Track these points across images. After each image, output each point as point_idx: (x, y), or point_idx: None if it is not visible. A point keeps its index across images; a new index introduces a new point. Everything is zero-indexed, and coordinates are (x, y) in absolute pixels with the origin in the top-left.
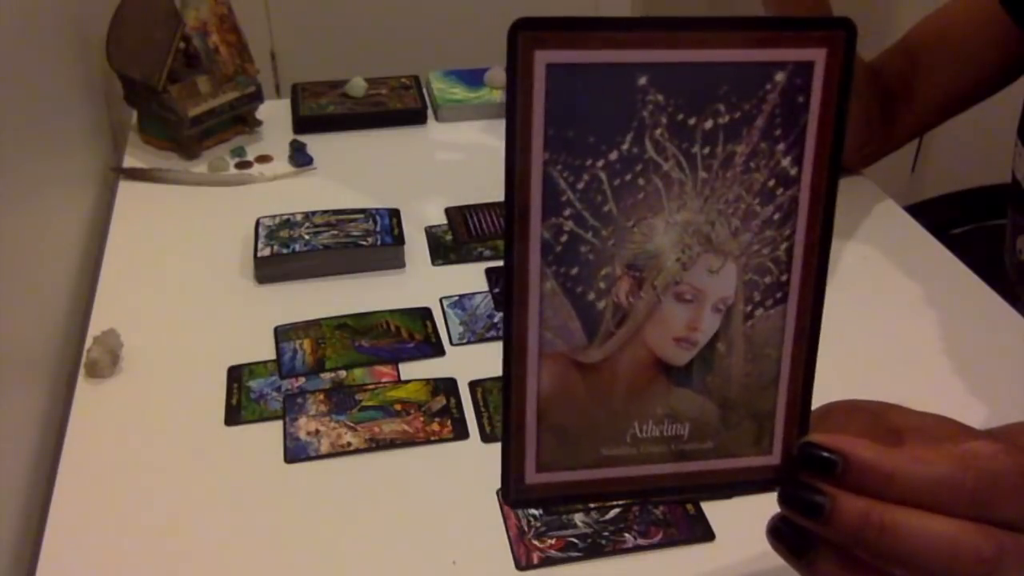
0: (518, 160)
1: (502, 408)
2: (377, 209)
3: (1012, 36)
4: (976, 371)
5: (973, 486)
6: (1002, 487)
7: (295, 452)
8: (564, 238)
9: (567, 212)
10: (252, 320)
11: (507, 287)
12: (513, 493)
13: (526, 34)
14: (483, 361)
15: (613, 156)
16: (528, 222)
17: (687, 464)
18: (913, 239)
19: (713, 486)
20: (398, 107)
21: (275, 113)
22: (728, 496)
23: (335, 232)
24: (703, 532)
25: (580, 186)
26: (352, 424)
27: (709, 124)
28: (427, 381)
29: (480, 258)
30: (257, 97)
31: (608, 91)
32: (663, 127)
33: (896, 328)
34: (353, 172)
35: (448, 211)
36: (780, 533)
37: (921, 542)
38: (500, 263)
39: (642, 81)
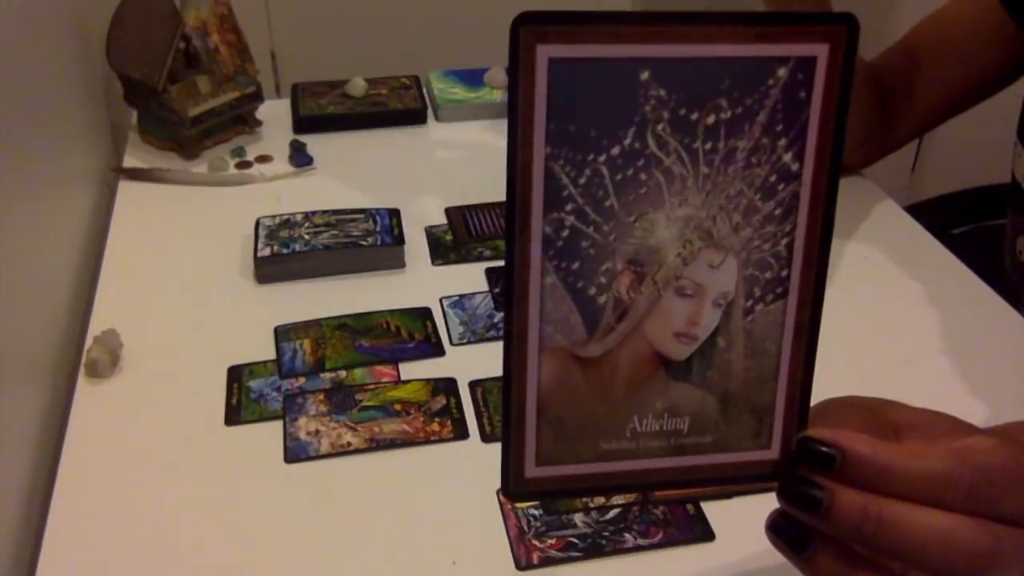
0: (520, 154)
1: (502, 402)
2: (377, 209)
3: (1012, 36)
4: (976, 371)
5: (970, 481)
6: (999, 482)
7: (295, 452)
8: (565, 233)
9: (568, 207)
10: (252, 320)
11: (508, 281)
12: (512, 486)
13: (528, 28)
14: (483, 361)
15: (615, 151)
16: (529, 216)
17: (686, 458)
18: (913, 239)
19: (712, 480)
20: (398, 107)
21: (275, 113)
22: (728, 496)
23: (335, 232)
24: (703, 532)
25: (582, 181)
26: (352, 424)
27: (711, 119)
28: (427, 381)
29: (480, 258)
30: (257, 97)
31: (610, 85)
32: (665, 122)
33: (896, 328)
34: (353, 172)
35: (448, 211)
36: (779, 529)
37: (918, 536)
38: (500, 263)
39: (644, 76)
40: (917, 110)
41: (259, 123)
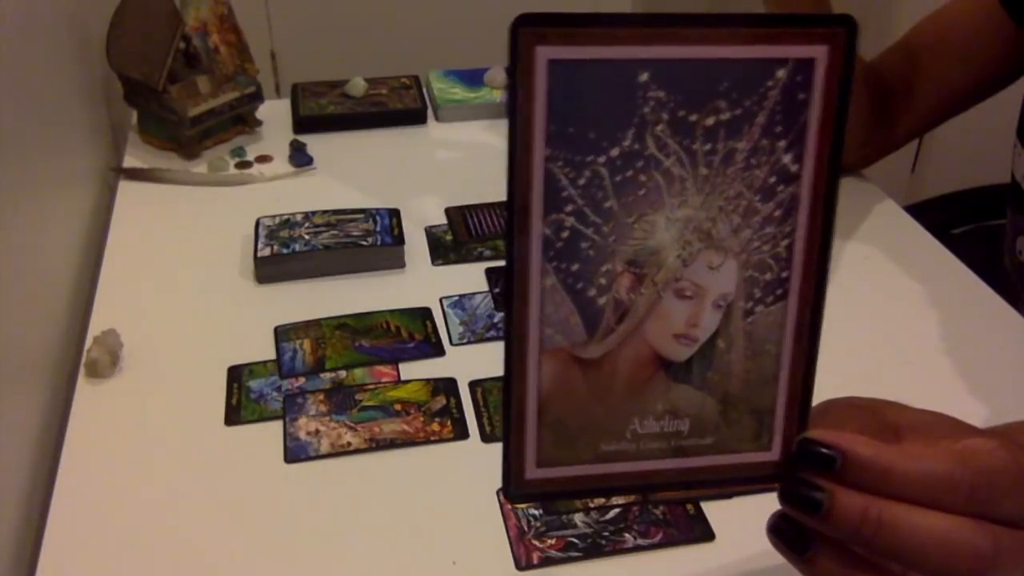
0: (519, 156)
1: (502, 404)
2: (377, 209)
3: (1012, 36)
4: (976, 371)
5: (970, 482)
6: (999, 483)
7: (295, 452)
8: (565, 234)
9: (568, 208)
10: (252, 320)
11: (508, 283)
12: (513, 488)
13: (527, 30)
14: (483, 361)
15: (614, 152)
16: (529, 218)
17: (687, 460)
18: (913, 239)
19: (712, 482)
20: (398, 107)
21: (275, 113)
22: (729, 496)
23: (335, 232)
24: (703, 532)
25: (581, 182)
26: (352, 424)
27: (710, 121)
28: (427, 381)
29: (480, 258)
30: (257, 97)
31: (609, 87)
32: (664, 123)
33: (896, 328)
34: (353, 172)
35: (448, 211)
36: (780, 530)
37: (918, 538)
38: (500, 263)
39: (643, 77)
40: (917, 110)
41: (259, 123)
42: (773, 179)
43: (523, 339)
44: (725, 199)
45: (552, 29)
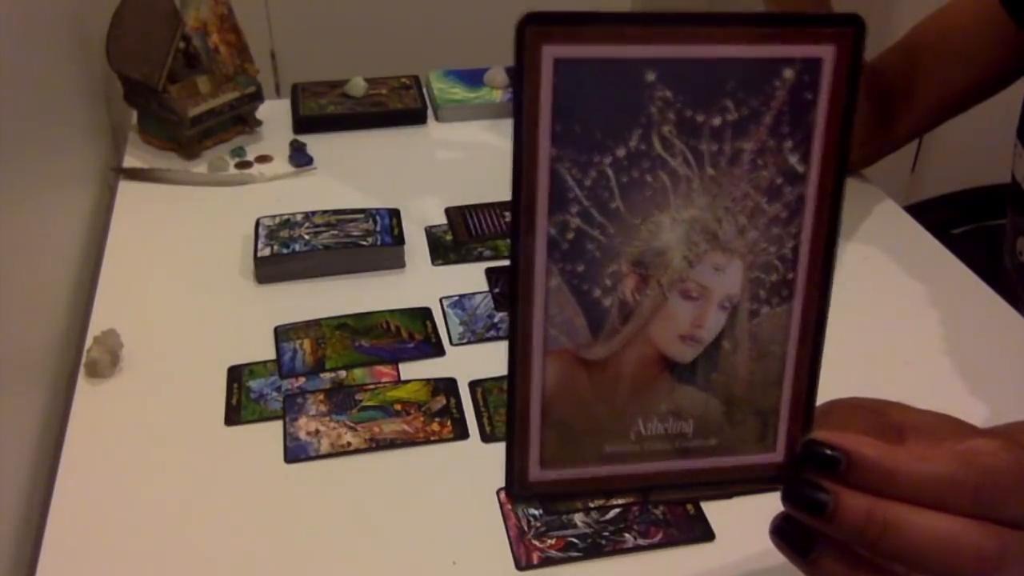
0: (525, 156)
1: (506, 404)
2: (377, 209)
3: (1012, 36)
4: (976, 371)
5: (975, 483)
6: (1004, 484)
7: (295, 452)
8: (571, 235)
9: (574, 208)
10: (252, 320)
11: (513, 283)
12: (516, 489)
13: (534, 28)
14: (483, 361)
15: (620, 152)
16: (535, 218)
17: (691, 461)
18: (913, 239)
19: (716, 483)
20: (398, 107)
21: (275, 113)
22: (729, 496)
23: (335, 232)
24: (703, 532)
25: (587, 182)
26: (352, 424)
27: (717, 121)
28: (427, 381)
29: (480, 258)
30: (257, 97)
31: (616, 87)
32: (671, 123)
33: (896, 328)
34: (353, 172)
35: (448, 211)
36: (783, 532)
37: (923, 540)
38: (500, 263)
39: (650, 77)
40: (917, 110)
41: (259, 123)
42: (779, 180)
43: (527, 340)
44: (731, 200)
45: (559, 28)
